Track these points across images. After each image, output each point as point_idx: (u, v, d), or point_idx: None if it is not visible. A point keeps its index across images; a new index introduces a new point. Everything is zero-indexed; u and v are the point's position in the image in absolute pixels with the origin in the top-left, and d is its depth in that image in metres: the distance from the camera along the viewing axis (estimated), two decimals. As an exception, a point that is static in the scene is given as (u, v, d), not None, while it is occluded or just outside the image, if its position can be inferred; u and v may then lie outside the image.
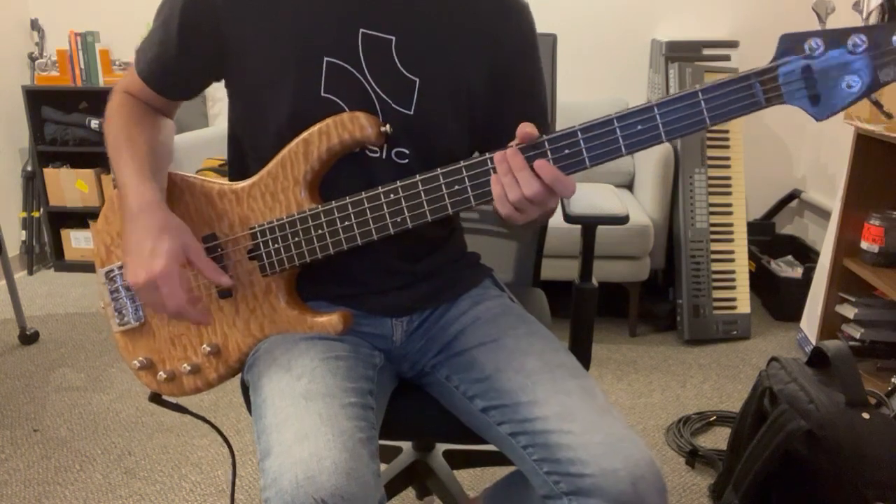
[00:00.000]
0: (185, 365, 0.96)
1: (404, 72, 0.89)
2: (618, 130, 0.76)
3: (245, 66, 0.91)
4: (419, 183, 0.83)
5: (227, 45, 0.90)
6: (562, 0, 2.95)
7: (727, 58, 2.68)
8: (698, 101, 0.74)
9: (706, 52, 2.69)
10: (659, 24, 2.95)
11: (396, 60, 0.89)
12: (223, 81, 0.97)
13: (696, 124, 0.75)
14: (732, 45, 2.74)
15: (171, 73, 0.96)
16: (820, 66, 0.71)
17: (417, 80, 0.90)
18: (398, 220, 0.85)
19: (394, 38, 0.88)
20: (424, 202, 0.84)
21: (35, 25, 3.24)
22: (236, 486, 1.67)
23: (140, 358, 0.98)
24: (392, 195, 0.84)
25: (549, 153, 0.78)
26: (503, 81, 0.95)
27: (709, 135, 2.54)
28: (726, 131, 2.57)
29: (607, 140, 0.77)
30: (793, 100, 0.73)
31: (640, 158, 2.72)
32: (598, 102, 2.84)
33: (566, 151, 0.78)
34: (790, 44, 0.72)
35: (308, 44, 0.88)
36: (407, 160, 0.92)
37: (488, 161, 0.80)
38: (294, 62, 0.88)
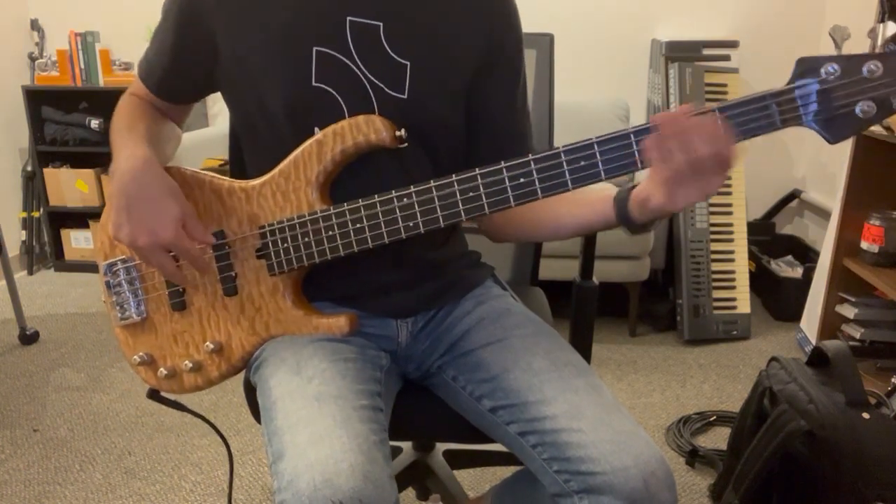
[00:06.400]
0: (187, 362, 0.95)
1: (395, 56, 0.89)
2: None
3: (236, 61, 0.91)
4: (433, 189, 0.83)
5: (218, 43, 0.91)
6: (562, 0, 2.95)
7: (727, 58, 2.68)
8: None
9: (706, 52, 2.69)
10: (659, 24, 2.95)
11: (386, 45, 0.89)
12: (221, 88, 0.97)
13: None
14: (732, 45, 2.74)
15: (169, 75, 0.97)
16: (836, 91, 0.72)
17: (408, 63, 0.90)
18: (410, 224, 0.85)
19: (381, 24, 0.89)
20: (438, 208, 0.84)
21: (35, 25, 3.24)
22: (237, 487, 1.67)
23: (140, 353, 0.97)
24: (405, 199, 0.84)
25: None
26: (491, 62, 0.96)
27: (709, 135, 2.54)
28: (726, 131, 2.56)
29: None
30: (808, 122, 0.73)
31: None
32: (598, 103, 2.80)
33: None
34: (807, 67, 0.72)
35: (296, 34, 0.88)
36: (405, 144, 0.92)
37: (504, 170, 0.80)
38: (283, 54, 0.88)
